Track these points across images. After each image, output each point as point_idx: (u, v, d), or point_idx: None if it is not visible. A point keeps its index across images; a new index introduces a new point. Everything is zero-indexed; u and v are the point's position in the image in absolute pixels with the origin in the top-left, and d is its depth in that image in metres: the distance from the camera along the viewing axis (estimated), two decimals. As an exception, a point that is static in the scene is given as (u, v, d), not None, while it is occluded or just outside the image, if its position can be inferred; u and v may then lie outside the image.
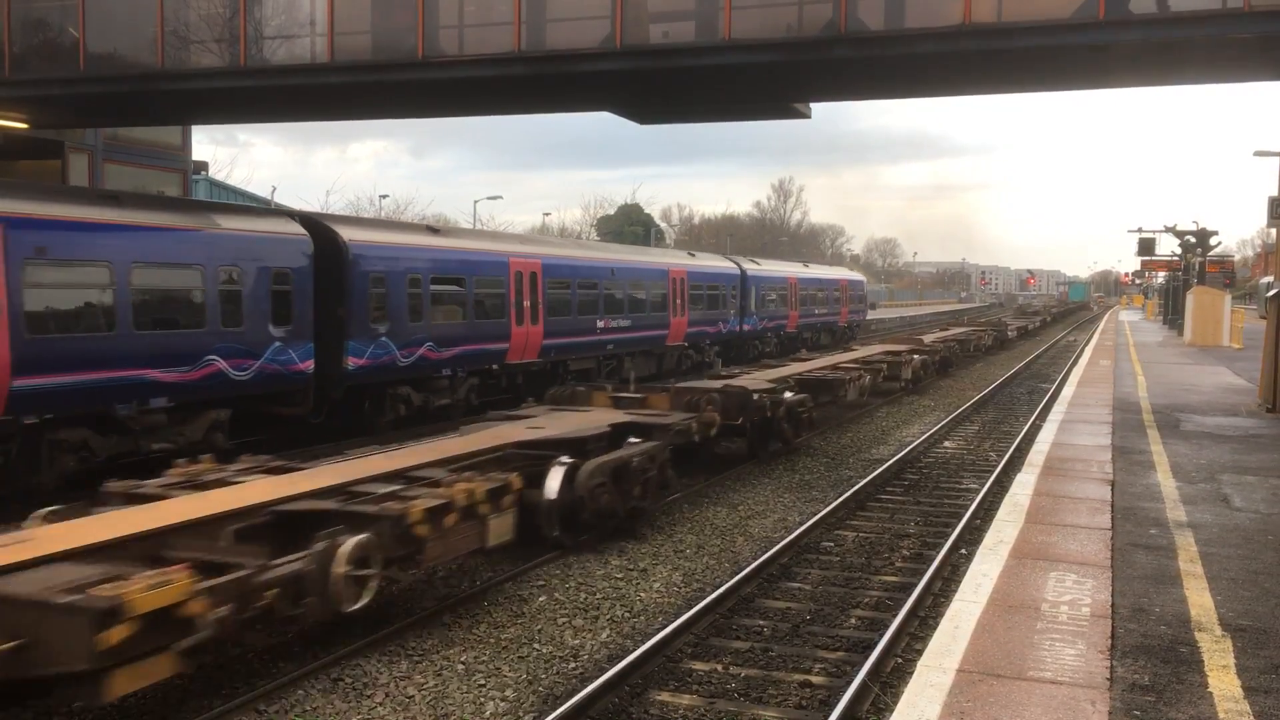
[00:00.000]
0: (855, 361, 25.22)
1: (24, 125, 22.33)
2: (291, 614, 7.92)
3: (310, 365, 18.34)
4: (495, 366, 23.20)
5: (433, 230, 24.61)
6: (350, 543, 8.26)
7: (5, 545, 7.53)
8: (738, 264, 39.39)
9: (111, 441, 15.35)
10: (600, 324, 27.82)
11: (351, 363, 19.01)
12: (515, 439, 12.59)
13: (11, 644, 6.39)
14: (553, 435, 12.80)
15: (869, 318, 63.02)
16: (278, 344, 17.66)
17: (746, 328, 38.73)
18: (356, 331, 19.15)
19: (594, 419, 14.18)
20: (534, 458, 12.09)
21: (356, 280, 19.26)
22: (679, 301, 32.77)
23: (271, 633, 8.90)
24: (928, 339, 37.07)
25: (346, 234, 19.56)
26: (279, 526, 8.80)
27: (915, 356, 29.63)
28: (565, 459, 12.06)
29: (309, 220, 19.61)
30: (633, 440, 13.43)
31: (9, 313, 13.63)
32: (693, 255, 37.99)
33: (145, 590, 6.60)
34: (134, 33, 19.10)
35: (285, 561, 7.92)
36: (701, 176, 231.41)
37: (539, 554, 11.84)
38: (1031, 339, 63.67)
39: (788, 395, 18.59)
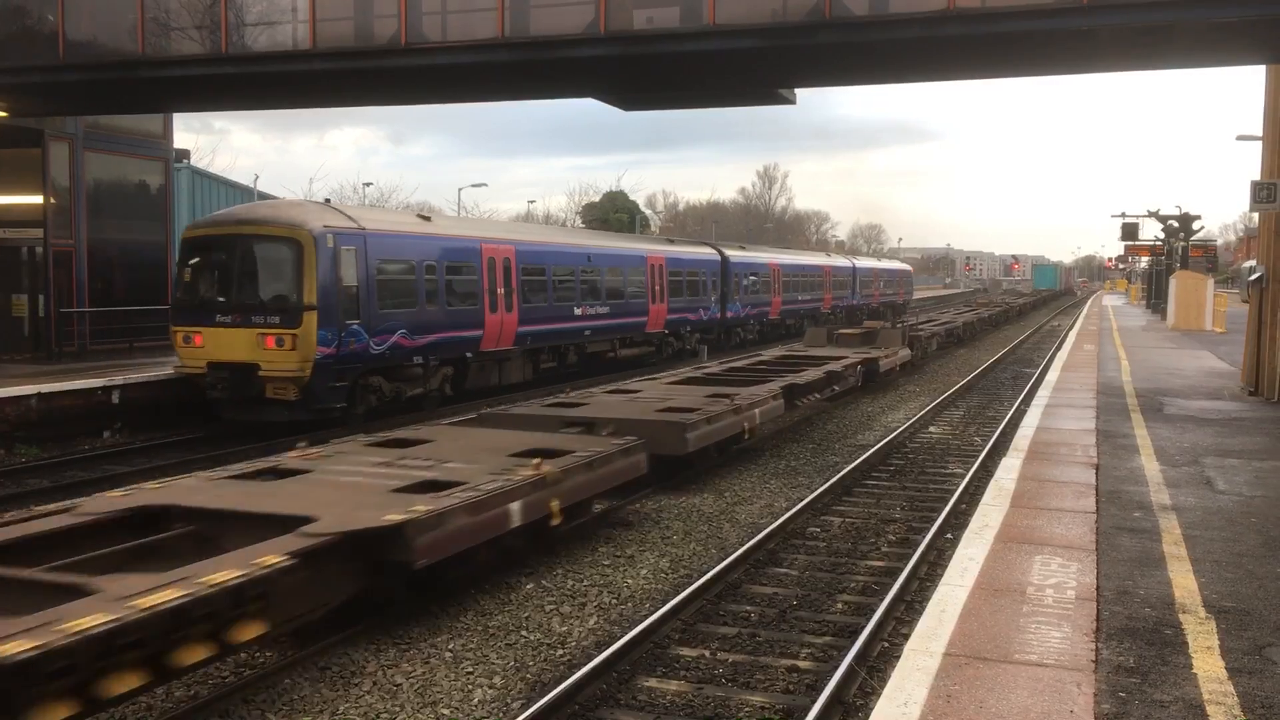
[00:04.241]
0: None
1: (3, 113, 22.13)
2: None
3: (718, 315, 38.51)
4: (765, 319, 44.06)
5: (742, 248, 44.99)
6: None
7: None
8: (851, 260, 61.58)
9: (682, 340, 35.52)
10: (799, 297, 48.78)
11: (728, 315, 39.52)
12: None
13: (639, 440, 13.05)
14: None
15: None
16: (713, 305, 38.08)
17: (854, 302, 58.55)
18: (728, 300, 39.51)
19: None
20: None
21: (729, 276, 39.61)
22: (828, 284, 53.87)
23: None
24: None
25: (726, 250, 40.61)
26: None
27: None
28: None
29: (714, 245, 41.36)
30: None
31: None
32: (829, 255, 61.03)
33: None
34: (114, 19, 18.95)
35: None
36: (684, 163, 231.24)
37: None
38: (1014, 324, 63.65)
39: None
